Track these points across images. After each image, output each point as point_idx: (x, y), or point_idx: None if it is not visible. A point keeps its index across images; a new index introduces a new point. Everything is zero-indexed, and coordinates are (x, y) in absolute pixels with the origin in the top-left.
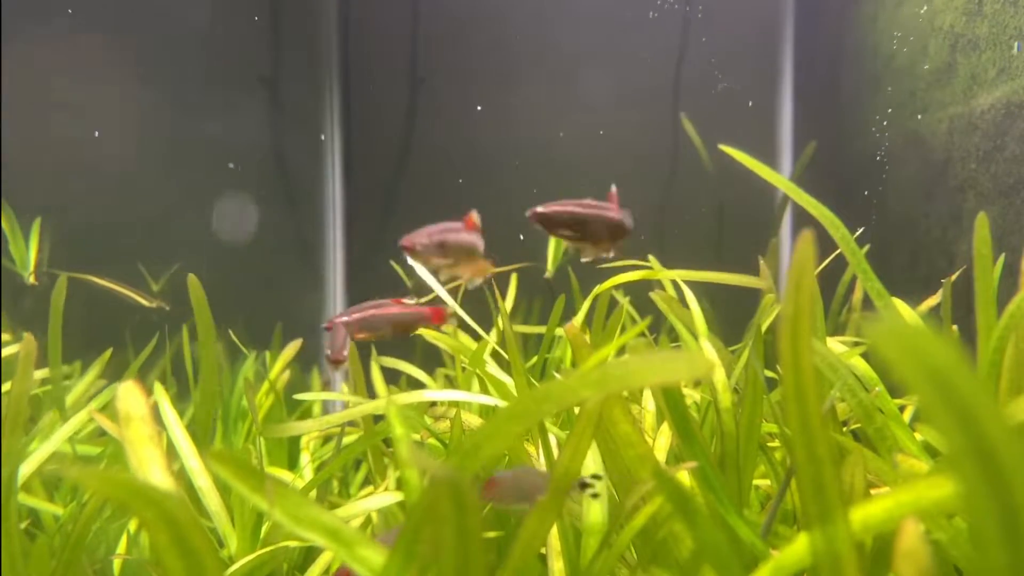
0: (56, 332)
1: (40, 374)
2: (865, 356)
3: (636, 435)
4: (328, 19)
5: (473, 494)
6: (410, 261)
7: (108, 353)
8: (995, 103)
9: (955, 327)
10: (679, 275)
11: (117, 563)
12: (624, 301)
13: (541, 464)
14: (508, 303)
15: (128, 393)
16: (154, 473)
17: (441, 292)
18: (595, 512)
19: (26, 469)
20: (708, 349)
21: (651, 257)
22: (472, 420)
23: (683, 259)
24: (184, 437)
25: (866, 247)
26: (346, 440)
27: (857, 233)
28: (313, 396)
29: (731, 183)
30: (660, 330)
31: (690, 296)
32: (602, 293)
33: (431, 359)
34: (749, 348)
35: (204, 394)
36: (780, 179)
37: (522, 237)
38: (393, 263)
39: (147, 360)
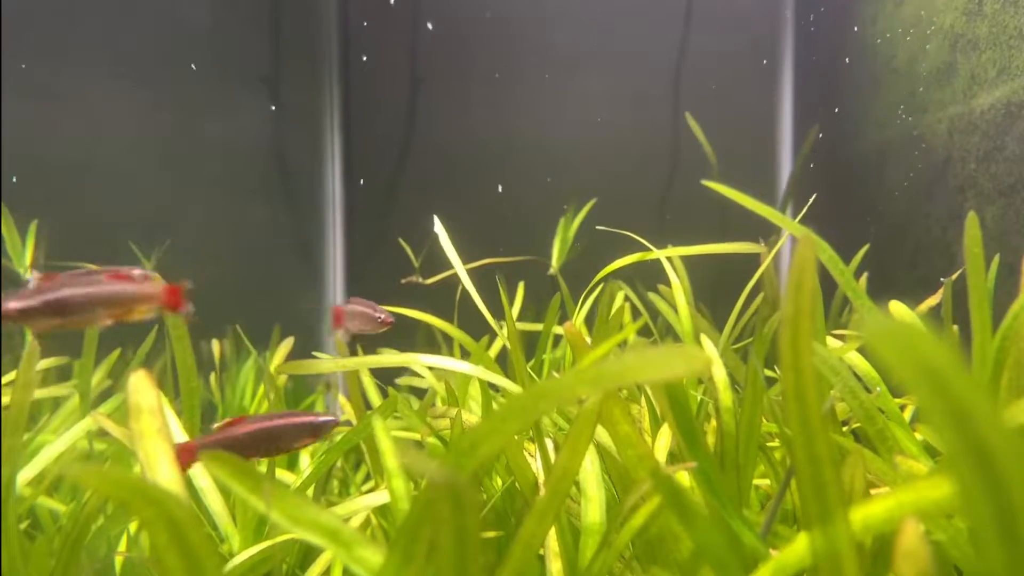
0: (92, 334)
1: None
2: (865, 355)
3: (635, 435)
4: (328, 19)
5: (472, 495)
6: (436, 228)
7: (116, 354)
8: (995, 103)
9: (955, 327)
10: (676, 252)
11: (118, 562)
12: (620, 295)
13: (538, 465)
14: (515, 308)
15: (139, 385)
16: (162, 466)
17: (461, 272)
18: (594, 512)
19: (35, 470)
20: (708, 345)
21: (670, 247)
22: (472, 420)
23: (682, 257)
24: (184, 438)
25: (865, 246)
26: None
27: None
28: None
29: (731, 183)
30: (659, 329)
31: (680, 297)
32: (602, 295)
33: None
34: (728, 328)
35: (186, 392)
36: (765, 208)
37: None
38: (401, 241)
39: (148, 360)
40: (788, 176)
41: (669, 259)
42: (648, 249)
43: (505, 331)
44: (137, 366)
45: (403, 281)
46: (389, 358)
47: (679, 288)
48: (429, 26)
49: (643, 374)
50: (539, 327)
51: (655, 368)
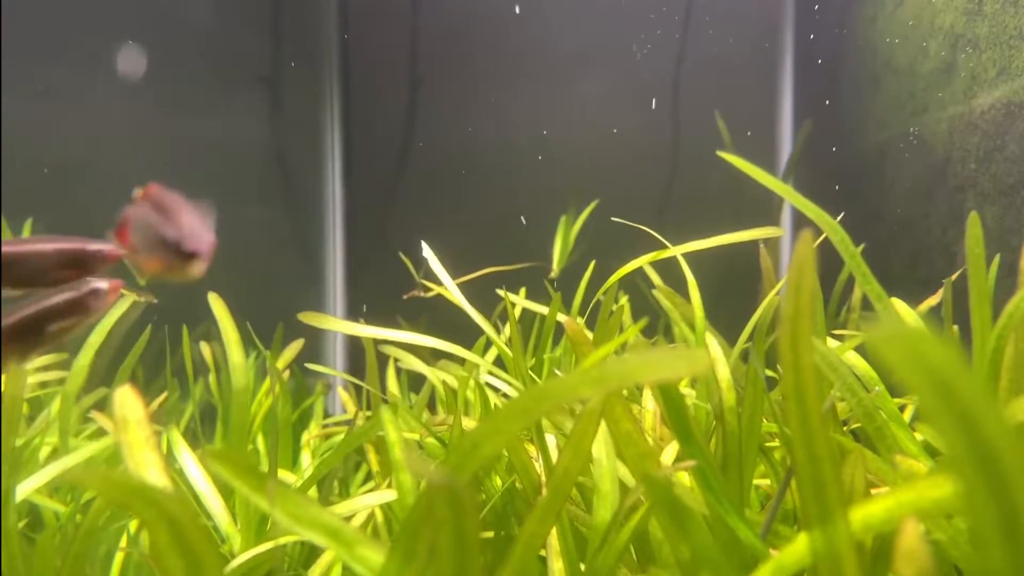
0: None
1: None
2: (865, 355)
3: (637, 433)
4: (328, 19)
5: (470, 497)
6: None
7: (92, 355)
8: (995, 103)
9: (955, 327)
10: (692, 247)
11: (117, 563)
12: (624, 300)
13: (539, 466)
14: (517, 310)
15: (125, 397)
16: (151, 476)
17: (454, 290)
18: (604, 511)
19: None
20: (712, 345)
21: (676, 244)
22: (472, 424)
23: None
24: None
25: (861, 246)
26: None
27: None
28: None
29: (731, 182)
30: (658, 329)
31: (693, 288)
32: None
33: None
34: (746, 340)
35: (236, 418)
36: (778, 184)
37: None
38: (401, 255)
39: (152, 368)
40: (783, 169)
41: (665, 259)
42: (663, 245)
43: (503, 336)
44: (129, 369)
45: (404, 297)
46: (401, 334)
47: (694, 286)
48: (517, 10)
49: (647, 375)
50: (541, 308)
51: (659, 369)
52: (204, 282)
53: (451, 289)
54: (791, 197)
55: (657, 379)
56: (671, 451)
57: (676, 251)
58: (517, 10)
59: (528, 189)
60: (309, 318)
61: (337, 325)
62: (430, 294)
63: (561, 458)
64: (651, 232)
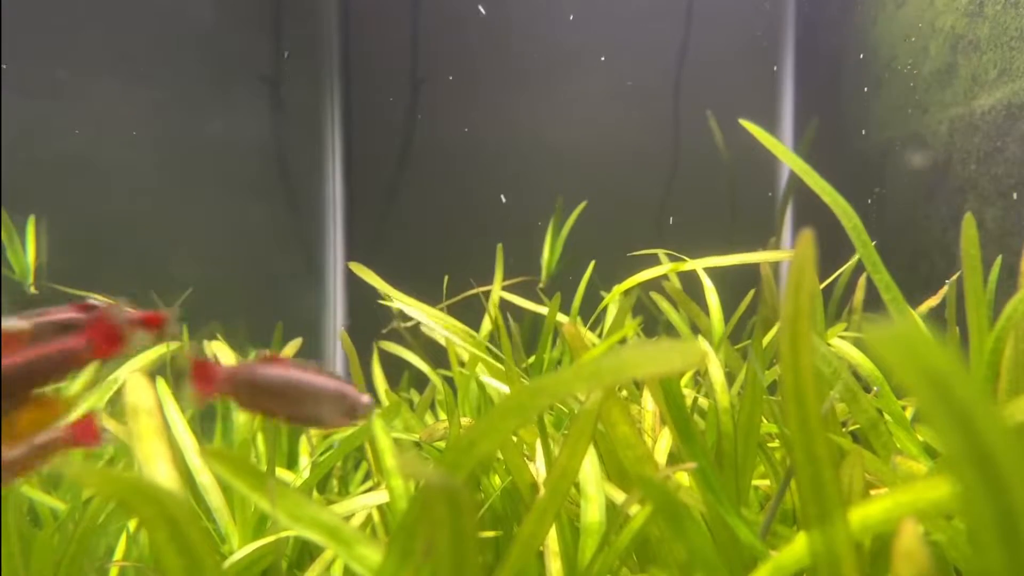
0: None
1: None
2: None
3: (634, 435)
4: (328, 19)
5: (467, 496)
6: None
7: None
8: (996, 104)
9: (957, 329)
10: (709, 262)
11: (117, 556)
12: (618, 296)
13: (539, 465)
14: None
15: (136, 385)
16: (160, 466)
17: (426, 320)
18: (593, 513)
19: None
20: (704, 344)
21: (699, 259)
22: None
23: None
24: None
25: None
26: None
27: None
28: None
29: (733, 181)
30: (656, 333)
31: (710, 290)
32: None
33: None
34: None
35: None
36: (794, 158)
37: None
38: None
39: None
40: (788, 173)
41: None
42: (664, 249)
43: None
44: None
45: (384, 332)
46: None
47: (712, 291)
48: (482, 10)
49: (641, 369)
50: (541, 309)
51: (653, 362)
52: (205, 282)
53: (426, 322)
54: (807, 175)
55: (652, 372)
56: (668, 447)
57: (695, 264)
58: (483, 10)
59: (529, 189)
60: (356, 268)
61: (377, 282)
62: (410, 323)
63: (559, 457)
64: (657, 250)
